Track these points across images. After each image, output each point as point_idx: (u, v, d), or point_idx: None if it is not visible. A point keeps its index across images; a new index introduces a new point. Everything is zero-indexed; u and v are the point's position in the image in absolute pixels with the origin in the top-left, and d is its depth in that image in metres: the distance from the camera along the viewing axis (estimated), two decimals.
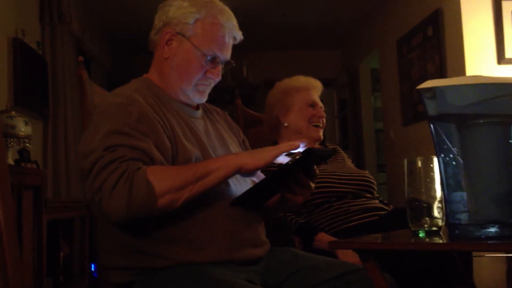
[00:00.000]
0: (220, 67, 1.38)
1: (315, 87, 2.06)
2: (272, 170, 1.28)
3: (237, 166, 1.19)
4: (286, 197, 1.32)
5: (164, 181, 1.13)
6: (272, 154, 1.20)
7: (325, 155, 1.48)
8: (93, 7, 4.79)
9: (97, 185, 1.14)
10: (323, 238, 1.72)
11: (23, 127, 2.81)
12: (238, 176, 1.32)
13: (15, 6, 3.38)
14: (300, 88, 2.04)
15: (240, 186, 1.33)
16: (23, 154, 2.83)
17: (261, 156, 1.20)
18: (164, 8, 1.39)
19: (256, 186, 1.26)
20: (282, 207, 1.41)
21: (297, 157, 1.17)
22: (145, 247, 1.20)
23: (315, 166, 1.31)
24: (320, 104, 2.05)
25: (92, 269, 3.47)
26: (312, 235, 1.74)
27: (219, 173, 1.18)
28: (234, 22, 1.39)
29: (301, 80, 2.07)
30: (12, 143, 2.77)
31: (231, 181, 1.30)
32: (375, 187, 1.98)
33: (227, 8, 1.40)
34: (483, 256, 2.36)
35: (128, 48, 5.84)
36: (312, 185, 1.32)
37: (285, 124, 2.03)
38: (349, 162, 2.11)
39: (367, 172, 2.04)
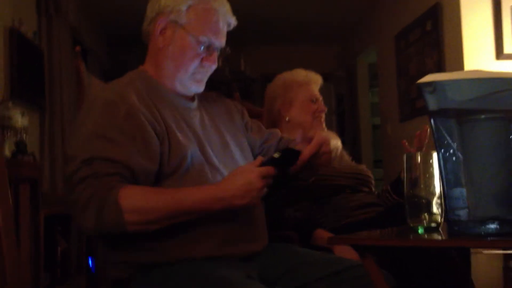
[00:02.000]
0: (216, 54, 1.36)
1: (315, 82, 2.05)
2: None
3: (223, 208, 1.17)
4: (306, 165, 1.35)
5: (136, 212, 1.12)
6: (260, 194, 1.17)
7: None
8: None
9: (72, 199, 1.15)
10: (321, 235, 1.72)
11: (20, 119, 2.79)
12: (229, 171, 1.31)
13: None
14: (301, 82, 2.03)
15: None
16: (20, 146, 2.81)
17: (250, 198, 1.16)
18: None
19: None
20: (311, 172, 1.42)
21: (275, 155, 1.17)
22: (143, 243, 1.20)
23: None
24: (320, 98, 2.05)
25: (90, 264, 3.46)
26: (310, 231, 1.74)
27: (200, 214, 1.17)
28: (227, 7, 1.37)
29: (302, 74, 2.05)
30: (9, 135, 2.75)
31: None
32: (373, 182, 1.98)
33: None
34: (481, 252, 2.36)
35: (124, 40, 5.79)
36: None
37: (287, 118, 2.02)
38: (346, 157, 2.11)
39: (364, 166, 2.05)
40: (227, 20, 1.37)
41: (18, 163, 2.60)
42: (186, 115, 1.35)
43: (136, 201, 1.13)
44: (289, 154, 1.21)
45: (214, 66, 1.37)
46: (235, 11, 1.39)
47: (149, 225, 1.14)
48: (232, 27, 1.39)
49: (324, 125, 2.03)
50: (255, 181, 1.15)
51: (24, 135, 2.84)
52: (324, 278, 1.27)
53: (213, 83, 1.45)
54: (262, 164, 1.18)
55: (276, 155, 1.17)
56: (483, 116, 0.96)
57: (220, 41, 1.36)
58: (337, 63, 6.45)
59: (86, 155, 1.15)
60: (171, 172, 1.22)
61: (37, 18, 3.79)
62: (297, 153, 1.28)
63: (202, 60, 1.34)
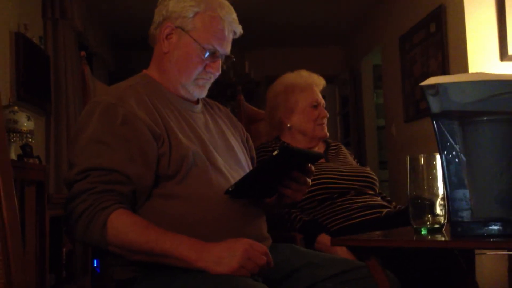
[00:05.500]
0: (220, 61, 1.38)
1: (317, 84, 2.03)
2: (257, 164, 1.27)
3: (194, 266, 1.13)
4: (283, 194, 1.33)
5: (119, 239, 1.15)
6: (232, 270, 1.11)
7: (308, 156, 1.39)
8: (95, 3, 4.79)
9: (68, 209, 1.20)
10: (324, 240, 1.72)
11: (25, 122, 2.81)
12: (234, 174, 1.32)
13: (17, 0, 3.38)
14: (303, 87, 2.00)
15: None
16: (26, 149, 2.83)
17: (229, 265, 1.11)
18: (163, 2, 1.39)
19: (244, 178, 1.26)
20: (281, 204, 1.41)
21: (274, 153, 1.17)
22: None
23: (309, 164, 1.31)
24: (322, 101, 2.03)
25: (95, 265, 3.48)
26: (314, 235, 1.74)
27: (175, 262, 1.15)
28: (233, 15, 1.38)
29: (304, 77, 2.03)
30: (14, 138, 2.77)
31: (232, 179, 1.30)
32: (377, 184, 1.97)
33: (226, 2, 1.39)
34: (485, 253, 2.36)
35: (130, 44, 5.83)
36: (309, 181, 1.32)
37: (288, 125, 2.01)
38: (351, 158, 2.10)
39: (368, 168, 2.04)
40: (233, 28, 1.38)
41: (24, 165, 2.62)
42: (189, 117, 1.36)
43: (122, 230, 1.15)
44: (288, 152, 1.20)
45: (217, 73, 1.39)
46: (240, 14, 1.41)
47: (129, 253, 1.17)
48: (238, 35, 1.41)
49: (325, 130, 2.02)
50: (238, 247, 1.12)
51: (30, 138, 2.86)
52: (330, 278, 1.27)
53: (218, 86, 1.46)
54: (263, 164, 1.18)
55: (275, 153, 1.17)
56: (485, 118, 0.97)
57: (225, 49, 1.37)
58: (341, 65, 6.45)
59: (84, 164, 1.18)
60: (173, 174, 1.23)
61: (42, 22, 3.82)
62: (296, 151, 1.28)
63: (205, 67, 1.36)
